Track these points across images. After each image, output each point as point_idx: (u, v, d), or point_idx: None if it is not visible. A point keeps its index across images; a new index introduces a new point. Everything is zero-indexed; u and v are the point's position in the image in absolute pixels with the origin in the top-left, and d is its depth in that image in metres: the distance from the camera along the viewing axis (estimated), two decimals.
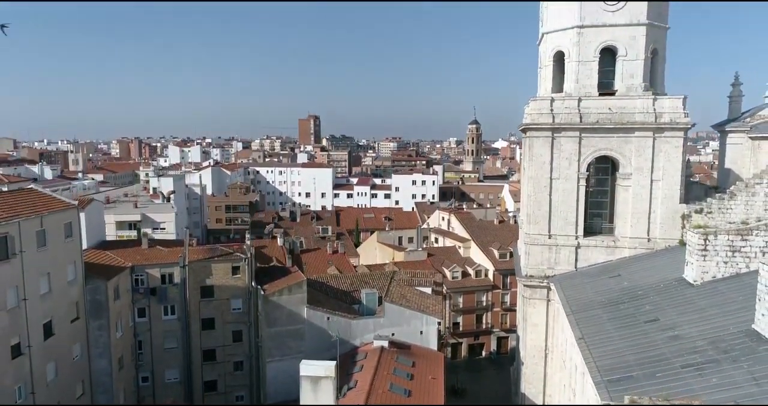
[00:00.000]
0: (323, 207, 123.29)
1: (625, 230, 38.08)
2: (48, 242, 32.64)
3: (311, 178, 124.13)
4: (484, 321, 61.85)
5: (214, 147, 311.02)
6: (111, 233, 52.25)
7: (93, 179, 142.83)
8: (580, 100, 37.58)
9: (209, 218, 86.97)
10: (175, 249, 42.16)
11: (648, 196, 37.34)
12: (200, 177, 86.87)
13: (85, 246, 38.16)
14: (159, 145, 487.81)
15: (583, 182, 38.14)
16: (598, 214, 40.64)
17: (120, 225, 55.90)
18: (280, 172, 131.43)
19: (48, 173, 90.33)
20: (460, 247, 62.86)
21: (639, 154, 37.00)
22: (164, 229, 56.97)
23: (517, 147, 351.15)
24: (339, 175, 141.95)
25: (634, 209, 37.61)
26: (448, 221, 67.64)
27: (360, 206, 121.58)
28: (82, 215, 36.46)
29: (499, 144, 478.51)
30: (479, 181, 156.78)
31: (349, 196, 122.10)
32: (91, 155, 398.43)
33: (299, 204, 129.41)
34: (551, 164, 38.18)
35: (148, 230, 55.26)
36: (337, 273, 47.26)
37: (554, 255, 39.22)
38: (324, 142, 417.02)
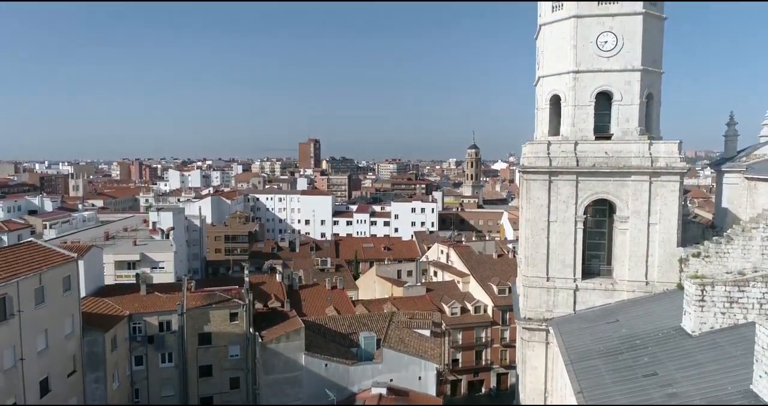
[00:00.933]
0: (323, 234, 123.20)
1: (623, 273, 38.11)
2: (47, 298, 32.58)
3: (311, 206, 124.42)
4: (483, 358, 61.45)
5: (214, 170, 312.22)
6: (110, 273, 52.24)
7: (93, 205, 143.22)
8: (576, 144, 37.97)
9: (208, 248, 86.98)
10: (173, 295, 42.11)
11: (645, 239, 37.43)
12: (200, 209, 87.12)
13: (83, 294, 38.12)
14: (159, 166, 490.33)
15: (580, 225, 38.29)
16: (596, 255, 40.71)
17: (119, 265, 55.97)
18: (280, 200, 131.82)
19: (48, 205, 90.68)
20: (459, 282, 62.82)
21: (636, 198, 37.21)
22: (163, 268, 56.97)
23: (517, 170, 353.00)
24: (338, 202, 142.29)
25: (631, 252, 37.69)
26: (447, 254, 67.71)
27: (359, 234, 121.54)
28: (81, 263, 36.50)
29: (499, 166, 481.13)
30: (479, 206, 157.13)
31: (349, 223, 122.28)
32: (91, 177, 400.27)
33: (298, 232, 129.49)
34: (549, 207, 38.37)
35: (147, 270, 55.27)
36: (335, 314, 47.11)
37: (552, 298, 39.19)
38: (324, 165, 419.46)
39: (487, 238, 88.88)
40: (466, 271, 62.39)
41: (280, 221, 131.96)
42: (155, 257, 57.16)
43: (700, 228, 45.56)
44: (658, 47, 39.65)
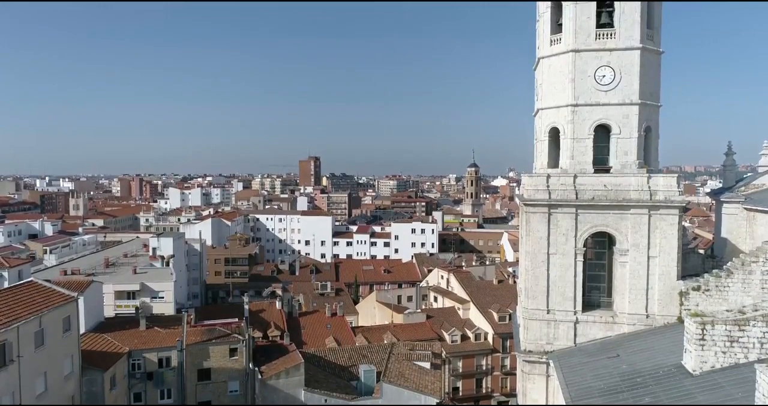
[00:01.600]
0: (323, 255, 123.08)
1: (624, 306, 38.04)
2: (46, 340, 32.49)
3: (311, 227, 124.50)
4: (484, 386, 61.01)
5: (214, 187, 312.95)
6: (110, 303, 52.17)
7: (93, 225, 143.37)
8: (575, 176, 38.15)
9: (208, 271, 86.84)
10: (173, 330, 41.99)
11: (645, 272, 37.43)
12: (200, 233, 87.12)
13: (83, 330, 38.01)
14: (160, 183, 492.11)
15: (580, 258, 38.33)
16: (596, 287, 40.66)
17: (119, 295, 55.87)
18: (280, 220, 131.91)
19: (48, 229, 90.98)
20: (459, 308, 62.61)
21: (635, 231, 37.29)
22: (163, 298, 56.87)
23: (516, 187, 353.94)
24: (339, 221, 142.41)
25: (631, 285, 37.67)
26: (447, 280, 67.59)
27: (360, 255, 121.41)
28: (81, 300, 36.47)
29: (499, 182, 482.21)
30: (479, 226, 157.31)
31: (349, 244, 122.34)
32: (92, 193, 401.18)
33: (298, 252, 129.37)
34: (548, 239, 38.45)
35: (147, 299, 55.20)
36: (335, 346, 46.91)
37: (553, 330, 39.07)
38: (324, 181, 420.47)
39: (487, 260, 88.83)
40: (466, 297, 62.14)
41: (280, 241, 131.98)
42: (155, 287, 57.08)
43: (700, 257, 45.52)
44: (655, 81, 40.09)
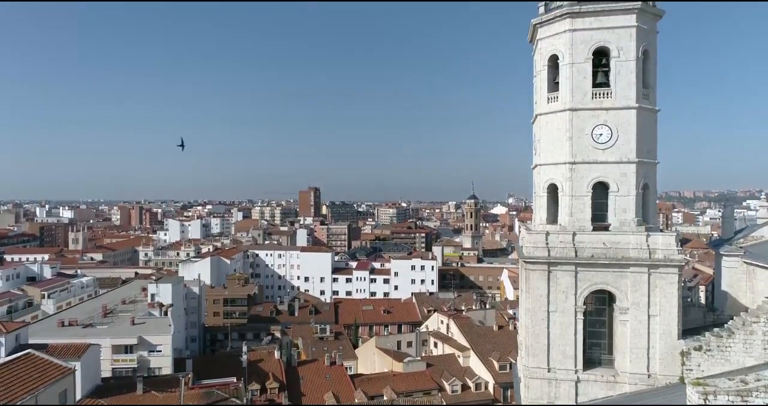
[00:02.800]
0: (322, 292, 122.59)
1: (625, 365, 37.73)
2: None
3: (310, 263, 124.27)
4: None
5: (214, 217, 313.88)
6: (107, 357, 51.71)
7: (92, 259, 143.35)
8: (574, 234, 38.29)
9: (207, 312, 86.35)
10: (169, 394, 41.50)
11: (646, 331, 37.25)
12: (199, 276, 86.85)
13: (78, 396, 37.54)
14: (160, 211, 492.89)
15: (580, 316, 38.17)
16: (597, 343, 40.39)
17: (116, 349, 55.32)
18: (280, 256, 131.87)
19: (47, 272, 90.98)
20: (459, 356, 62.05)
21: (635, 290, 37.24)
22: (161, 352, 56.33)
23: (516, 218, 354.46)
24: (338, 252, 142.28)
25: (632, 344, 37.44)
26: (448, 325, 67.19)
27: (359, 291, 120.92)
28: (78, 365, 36.13)
29: (498, 210, 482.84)
30: (478, 260, 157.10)
31: (348, 280, 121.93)
32: (92, 221, 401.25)
33: (298, 288, 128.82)
34: (548, 297, 38.37)
35: (145, 353, 54.78)
36: (334, 402, 46.28)
37: (554, 389, 38.67)
38: (324, 210, 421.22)
39: (488, 298, 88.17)
40: (466, 344, 61.59)
41: (280, 277, 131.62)
42: (153, 340, 56.47)
43: (701, 311, 45.38)
44: (652, 139, 40.57)
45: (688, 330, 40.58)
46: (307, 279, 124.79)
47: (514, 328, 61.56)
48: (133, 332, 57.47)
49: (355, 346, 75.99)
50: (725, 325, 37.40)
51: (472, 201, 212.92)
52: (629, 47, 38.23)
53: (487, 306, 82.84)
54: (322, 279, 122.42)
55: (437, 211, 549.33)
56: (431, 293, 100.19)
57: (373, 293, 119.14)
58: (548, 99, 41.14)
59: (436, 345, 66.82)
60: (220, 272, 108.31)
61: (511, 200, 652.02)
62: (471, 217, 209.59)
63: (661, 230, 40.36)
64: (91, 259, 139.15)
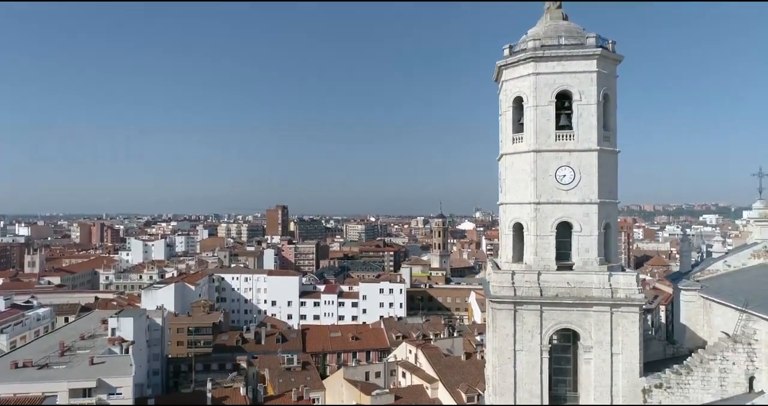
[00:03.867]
0: (290, 316, 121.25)
1: (589, 401, 38.36)
2: None
3: (277, 287, 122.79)
4: None
5: (178, 235, 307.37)
6: (64, 400, 49.58)
7: (50, 283, 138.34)
8: (539, 274, 38.97)
9: (170, 341, 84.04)
10: None
11: (609, 369, 38.01)
12: (162, 308, 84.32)
13: None
14: (122, 228, 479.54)
15: (546, 355, 38.72)
16: (562, 380, 40.94)
17: (74, 392, 52.96)
18: (246, 279, 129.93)
19: (0, 304, 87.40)
20: (428, 387, 61.99)
21: (598, 328, 38.03)
22: (121, 394, 54.26)
23: (483, 236, 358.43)
24: (306, 280, 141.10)
25: (596, 381, 38.13)
26: (416, 355, 67.28)
27: (327, 315, 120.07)
28: None
29: (466, 225, 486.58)
30: (446, 280, 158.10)
31: (316, 304, 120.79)
32: (50, 239, 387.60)
33: (265, 312, 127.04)
34: (515, 336, 38.83)
35: (104, 396, 52.81)
36: None
37: None
38: (292, 226, 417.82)
39: (456, 320, 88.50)
40: (434, 375, 61.64)
41: (246, 301, 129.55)
42: (113, 382, 54.14)
43: (661, 344, 46.55)
44: (613, 179, 41.80)
45: (649, 363, 41.66)
46: (274, 303, 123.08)
47: (482, 357, 61.99)
48: (92, 374, 54.99)
49: (323, 375, 75.30)
50: (684, 362, 38.47)
51: (440, 220, 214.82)
52: (590, 91, 39.49)
53: (455, 333, 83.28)
54: (289, 303, 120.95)
55: (406, 226, 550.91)
56: (400, 318, 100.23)
57: (341, 317, 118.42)
58: (513, 139, 42.02)
59: (404, 375, 66.65)
60: (185, 299, 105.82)
61: (478, 214, 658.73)
62: (439, 236, 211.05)
63: (623, 268, 41.41)
64: (49, 283, 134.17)
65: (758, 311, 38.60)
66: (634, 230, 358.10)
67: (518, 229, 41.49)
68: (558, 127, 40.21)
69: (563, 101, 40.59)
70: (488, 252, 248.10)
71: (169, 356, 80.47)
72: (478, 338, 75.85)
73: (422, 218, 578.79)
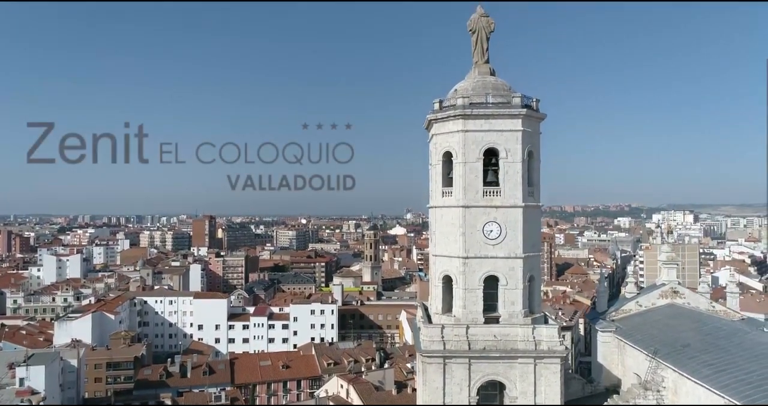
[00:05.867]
0: (217, 340, 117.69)
1: None
2: None
3: (204, 310, 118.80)
4: None
5: (96, 245, 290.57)
6: None
7: None
8: (468, 327, 40.10)
9: (87, 378, 79.12)
10: None
11: None
12: (77, 347, 78.74)
13: None
14: (33, 235, 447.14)
15: None
16: None
17: None
18: (171, 302, 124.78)
19: None
20: None
21: (523, 379, 39.54)
22: None
23: (415, 238, 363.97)
24: (235, 298, 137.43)
25: None
26: (347, 390, 67.33)
27: (257, 338, 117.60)
28: None
29: (397, 231, 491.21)
30: (378, 295, 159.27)
31: (245, 327, 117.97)
32: None
33: (191, 336, 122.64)
34: (444, 390, 39.68)
35: None
36: None
37: None
38: (220, 234, 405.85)
39: (388, 339, 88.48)
40: None
41: (171, 325, 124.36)
42: None
43: (580, 383, 48.99)
44: (536, 233, 43.75)
45: (570, 402, 43.90)
46: (201, 327, 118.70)
47: (413, 390, 62.87)
48: None
49: None
50: None
51: (372, 232, 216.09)
52: (516, 149, 41.03)
53: (387, 360, 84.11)
54: (217, 326, 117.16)
55: (337, 231, 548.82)
56: (331, 343, 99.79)
57: (271, 340, 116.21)
58: (443, 193, 42.93)
59: None
60: (103, 329, 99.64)
61: (409, 216, 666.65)
62: (371, 248, 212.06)
63: (546, 319, 43.16)
64: None
65: (666, 360, 41.65)
66: (556, 235, 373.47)
67: (447, 281, 42.42)
68: (485, 183, 41.48)
69: (490, 157, 41.93)
70: (418, 262, 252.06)
71: (86, 396, 75.85)
72: (409, 365, 76.82)
73: (354, 221, 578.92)
